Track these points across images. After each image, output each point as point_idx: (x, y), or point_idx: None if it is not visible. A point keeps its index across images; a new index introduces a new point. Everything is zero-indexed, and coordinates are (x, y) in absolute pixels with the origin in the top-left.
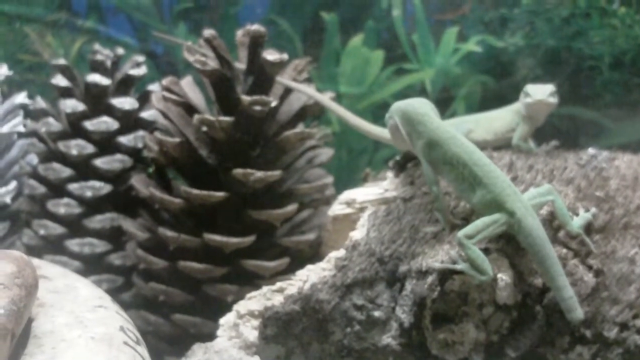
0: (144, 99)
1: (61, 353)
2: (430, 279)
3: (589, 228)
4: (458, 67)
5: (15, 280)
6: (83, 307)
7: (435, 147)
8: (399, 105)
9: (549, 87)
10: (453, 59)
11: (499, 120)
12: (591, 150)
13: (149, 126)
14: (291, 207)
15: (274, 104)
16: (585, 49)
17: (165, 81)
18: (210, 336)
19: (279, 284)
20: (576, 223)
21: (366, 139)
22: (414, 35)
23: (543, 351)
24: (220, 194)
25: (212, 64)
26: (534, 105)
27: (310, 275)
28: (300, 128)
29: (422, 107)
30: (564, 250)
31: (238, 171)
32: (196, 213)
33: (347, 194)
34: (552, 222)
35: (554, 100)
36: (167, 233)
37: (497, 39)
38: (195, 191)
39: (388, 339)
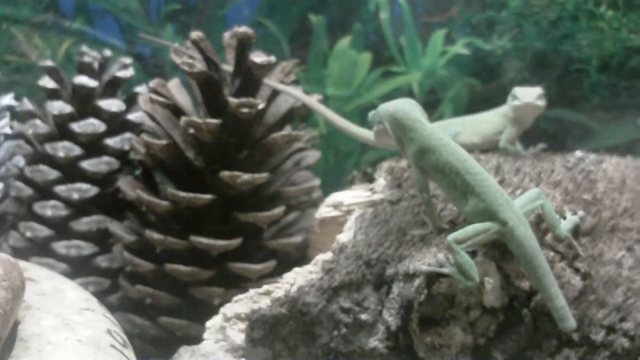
0: (131, 101)
1: (48, 356)
2: (417, 281)
3: (576, 231)
4: (445, 69)
5: (1, 282)
6: (70, 310)
7: (427, 154)
8: (387, 108)
9: (537, 90)
10: (440, 61)
11: (486, 122)
12: (578, 153)
13: (136, 128)
14: (278, 210)
15: (261, 106)
16: (573, 51)
17: (153, 83)
18: (196, 339)
19: (265, 287)
20: (564, 226)
21: (353, 142)
22: (401, 38)
23: (530, 354)
24: (207, 197)
25: (200, 66)
26: (522, 107)
27: (297, 278)
28: (287, 130)
29: (413, 111)
30: (552, 254)
31: (225, 173)
32: (183, 215)
33: (334, 197)
34: (539, 225)
35: (541, 102)
36: (154, 235)
37: (485, 42)
38: (182, 194)
39: (375, 342)
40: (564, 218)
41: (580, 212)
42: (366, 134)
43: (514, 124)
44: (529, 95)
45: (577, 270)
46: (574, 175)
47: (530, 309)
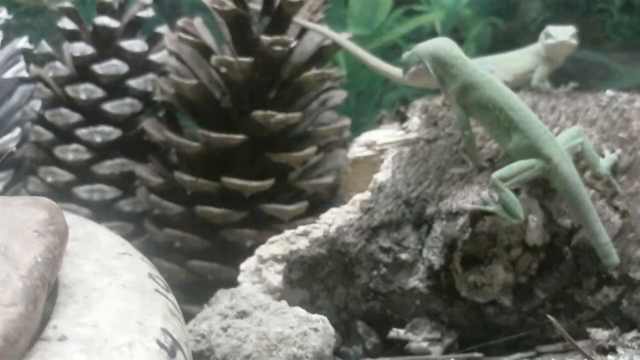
0: (153, 42)
1: (95, 302)
2: (461, 220)
3: (614, 169)
4: (468, 8)
5: (48, 227)
6: (108, 255)
7: (470, 91)
8: (427, 47)
9: (571, 29)
10: (463, 0)
11: (518, 61)
12: (609, 92)
13: (158, 69)
14: (310, 150)
15: (294, 44)
16: None
17: (181, 22)
18: (228, 282)
19: (302, 228)
20: (603, 164)
21: (374, 82)
22: None
23: (571, 292)
24: (239, 137)
25: (230, 4)
26: (556, 46)
27: (335, 219)
28: (318, 69)
29: (454, 49)
30: (592, 192)
31: (258, 113)
32: (213, 157)
33: (367, 136)
34: (577, 163)
35: (575, 41)
36: (184, 177)
37: None
38: (214, 134)
39: (415, 282)
40: (602, 156)
41: (618, 151)
42: (398, 72)
43: (545, 63)
44: (563, 34)
45: (616, 208)
46: (609, 113)
47: (572, 247)
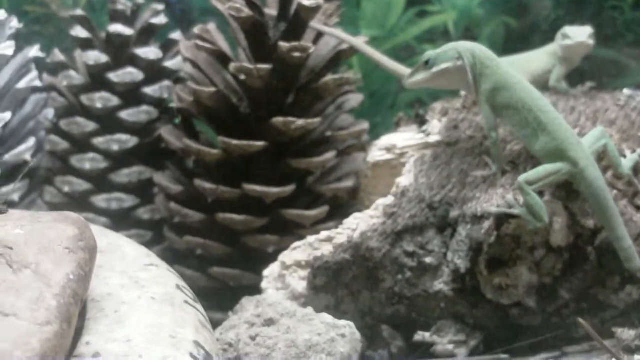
0: (166, 48)
1: (126, 316)
2: (486, 223)
3: (635, 169)
4: (480, 8)
5: (78, 243)
6: (134, 267)
7: (501, 91)
8: (467, 46)
9: (588, 29)
10: (475, 0)
11: (535, 62)
12: (627, 91)
13: (172, 76)
14: (330, 154)
15: (312, 50)
16: None
17: (197, 29)
18: (250, 288)
19: (325, 233)
20: (625, 164)
21: (388, 83)
22: None
23: (594, 292)
24: (260, 144)
25: (246, 10)
26: (574, 47)
27: (359, 224)
28: (337, 74)
29: (489, 51)
30: (614, 192)
31: (278, 120)
32: (232, 164)
33: (387, 140)
34: (598, 164)
35: (592, 42)
36: (205, 185)
37: None
38: (235, 141)
39: (440, 285)
40: (624, 156)
41: (639, 150)
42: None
43: (562, 63)
44: (580, 34)
45: (638, 208)
46: (628, 113)
47: (595, 247)
